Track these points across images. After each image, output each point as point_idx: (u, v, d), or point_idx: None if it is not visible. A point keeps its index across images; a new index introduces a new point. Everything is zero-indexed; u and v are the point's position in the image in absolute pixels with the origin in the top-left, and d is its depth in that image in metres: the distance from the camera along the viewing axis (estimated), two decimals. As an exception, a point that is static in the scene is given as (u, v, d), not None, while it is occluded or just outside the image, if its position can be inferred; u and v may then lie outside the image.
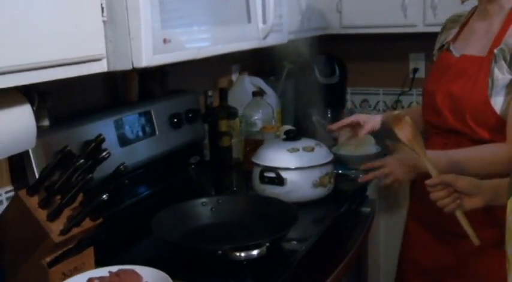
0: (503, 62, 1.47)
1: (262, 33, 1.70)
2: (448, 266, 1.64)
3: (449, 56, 1.65)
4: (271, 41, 1.78)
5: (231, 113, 2.15)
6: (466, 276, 1.62)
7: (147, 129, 1.78)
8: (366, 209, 1.88)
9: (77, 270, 1.27)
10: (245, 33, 1.64)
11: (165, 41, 1.27)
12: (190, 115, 1.97)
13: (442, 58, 1.69)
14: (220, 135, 2.14)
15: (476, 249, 1.50)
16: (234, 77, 2.47)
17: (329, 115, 2.51)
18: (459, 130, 1.56)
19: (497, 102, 1.49)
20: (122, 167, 1.27)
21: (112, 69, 1.22)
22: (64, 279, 1.23)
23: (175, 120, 1.90)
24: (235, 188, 2.11)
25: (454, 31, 1.71)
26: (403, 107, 2.83)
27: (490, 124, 1.51)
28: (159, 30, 1.24)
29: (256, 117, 2.16)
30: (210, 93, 2.14)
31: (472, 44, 1.59)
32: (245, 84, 2.33)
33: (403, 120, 1.44)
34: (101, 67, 1.21)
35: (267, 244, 1.28)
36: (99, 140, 1.27)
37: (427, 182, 1.37)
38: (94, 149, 1.26)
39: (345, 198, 1.83)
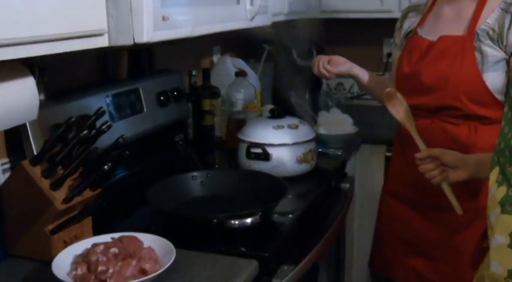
0: (489, 41, 1.56)
1: (250, 14, 1.76)
2: (428, 238, 1.74)
3: (421, 40, 1.72)
4: (257, 22, 1.84)
5: (214, 93, 2.21)
6: (446, 247, 1.72)
7: (136, 106, 1.83)
8: (345, 185, 1.97)
9: (76, 238, 1.32)
10: (234, 14, 1.70)
11: (163, 18, 1.32)
12: (175, 94, 2.02)
13: (412, 43, 1.75)
14: (203, 114, 2.20)
15: (455, 221, 1.61)
16: (215, 58, 2.52)
17: (307, 97, 2.59)
18: (452, 105, 1.62)
19: (489, 78, 1.56)
20: (121, 139, 1.32)
21: (113, 44, 1.26)
22: (65, 246, 1.28)
23: (162, 98, 1.94)
24: (216, 166, 2.17)
25: (417, 19, 1.79)
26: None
27: (481, 99, 1.59)
28: (159, 7, 1.29)
29: (238, 97, 2.23)
30: (194, 72, 2.18)
31: (444, 27, 1.68)
32: (227, 65, 2.39)
33: (395, 97, 1.53)
34: (102, 42, 1.25)
35: (260, 213, 1.35)
36: (100, 112, 1.32)
37: (417, 155, 1.46)
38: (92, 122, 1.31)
39: (326, 175, 1.91)
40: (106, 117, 1.67)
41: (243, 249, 1.35)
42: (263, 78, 2.58)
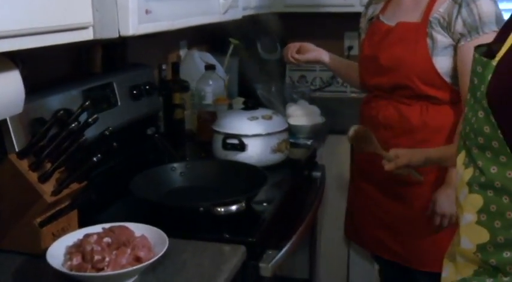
0: (440, 28, 1.72)
1: (223, 8, 1.80)
2: (391, 212, 1.86)
3: (381, 25, 1.87)
4: (229, 16, 1.88)
5: (184, 87, 2.23)
6: (406, 219, 1.85)
7: (111, 100, 1.83)
8: (317, 174, 2.03)
9: (64, 231, 1.33)
10: (209, 8, 1.73)
11: (146, 11, 1.34)
12: (147, 87, 2.03)
13: (374, 27, 1.91)
14: (173, 108, 2.22)
15: (412, 194, 1.76)
16: (181, 52, 2.54)
17: (273, 89, 2.63)
18: (405, 85, 1.77)
19: (438, 61, 1.72)
20: (106, 131, 1.34)
21: (98, 37, 1.28)
22: (54, 239, 1.29)
23: (135, 92, 1.96)
24: (187, 158, 2.20)
25: (379, 5, 1.94)
26: (338, 83, 3.02)
27: (431, 80, 1.75)
28: (142, 1, 1.31)
29: (208, 90, 2.26)
30: (164, 66, 2.20)
31: (403, 14, 1.83)
32: (195, 59, 2.42)
33: (365, 135, 1.64)
34: (87, 35, 1.27)
35: (245, 201, 1.39)
36: (85, 106, 1.33)
37: (386, 168, 1.57)
38: (74, 116, 1.31)
39: (299, 164, 1.97)
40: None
41: (230, 235, 1.38)
42: (229, 72, 2.62)
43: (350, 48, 2.96)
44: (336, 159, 2.43)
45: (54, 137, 1.27)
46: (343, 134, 2.45)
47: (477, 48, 1.13)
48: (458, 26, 1.68)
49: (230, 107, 2.29)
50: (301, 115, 2.25)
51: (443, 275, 1.20)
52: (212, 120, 2.13)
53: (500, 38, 1.07)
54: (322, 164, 2.19)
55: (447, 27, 1.71)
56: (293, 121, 2.23)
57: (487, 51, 1.08)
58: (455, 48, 1.71)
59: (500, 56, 1.00)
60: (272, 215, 1.53)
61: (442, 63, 1.72)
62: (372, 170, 1.88)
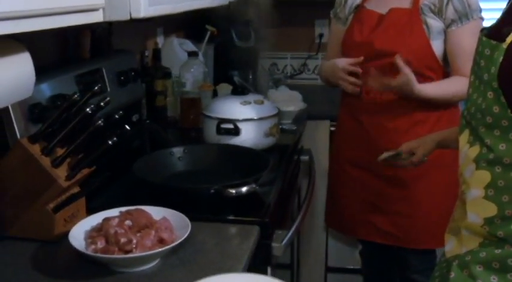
0: (432, 14, 1.81)
1: (213, -7, 1.81)
2: (383, 195, 1.91)
3: (370, 13, 1.92)
4: (217, 2, 1.89)
5: (166, 73, 2.22)
6: (401, 200, 1.91)
7: (101, 85, 1.80)
8: (305, 157, 2.06)
9: (74, 217, 1.31)
10: (201, -7, 1.74)
11: (154, -6, 1.33)
12: (133, 74, 2.01)
13: (361, 15, 1.95)
14: (155, 95, 2.21)
15: (409, 175, 1.81)
16: (159, 39, 2.51)
17: (250, 76, 2.65)
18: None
19: (435, 45, 1.82)
20: (116, 115, 1.33)
21: (108, 19, 1.26)
22: (65, 225, 1.27)
23: (122, 78, 1.93)
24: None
25: None
26: (309, 70, 3.07)
27: (428, 62, 1.84)
28: (149, -16, 1.30)
29: (191, 77, 2.25)
30: (146, 53, 2.18)
31: (391, 2, 1.89)
32: (174, 46, 2.40)
33: None
34: (97, 17, 1.25)
35: (253, 183, 1.41)
36: (95, 90, 1.31)
37: (405, 165, 1.61)
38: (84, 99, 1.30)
39: (288, 148, 2.00)
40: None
41: (242, 217, 1.39)
42: (205, 59, 2.61)
43: (321, 35, 3.00)
44: (316, 144, 2.47)
45: (64, 121, 1.25)
46: (321, 119, 2.52)
47: (481, 30, 1.17)
48: (450, 13, 1.80)
49: (215, 93, 2.29)
50: (285, 101, 2.27)
51: (447, 248, 1.24)
52: (197, 106, 2.13)
53: (510, 21, 1.11)
54: (309, 148, 2.22)
55: (438, 13, 1.81)
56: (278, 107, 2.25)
57: (494, 33, 1.12)
58: (445, 32, 1.81)
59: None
60: (277, 196, 1.55)
61: (437, 47, 1.82)
62: (359, 154, 1.93)
